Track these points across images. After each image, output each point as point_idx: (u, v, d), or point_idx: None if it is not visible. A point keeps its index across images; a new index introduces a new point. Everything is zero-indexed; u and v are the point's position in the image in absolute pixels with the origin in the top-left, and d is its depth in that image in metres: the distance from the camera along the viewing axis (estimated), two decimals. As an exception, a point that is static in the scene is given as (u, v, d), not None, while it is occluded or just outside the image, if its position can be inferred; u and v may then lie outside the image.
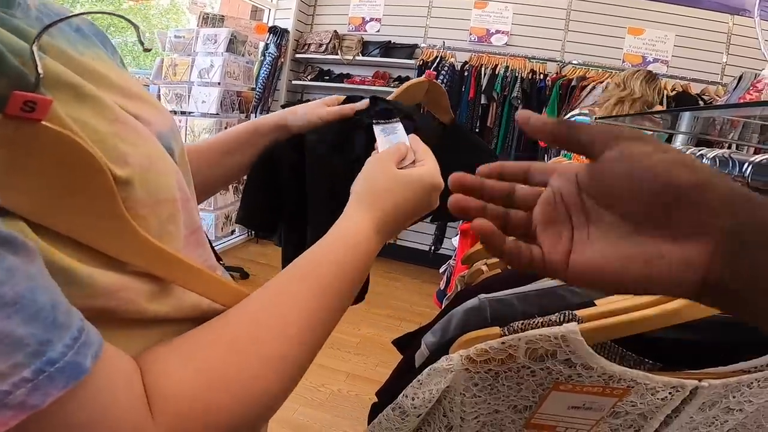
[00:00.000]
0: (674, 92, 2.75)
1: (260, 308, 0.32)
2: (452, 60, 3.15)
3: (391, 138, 0.59)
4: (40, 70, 0.23)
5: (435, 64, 3.12)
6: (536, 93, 2.98)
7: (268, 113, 3.41)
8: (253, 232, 3.44)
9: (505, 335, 0.40)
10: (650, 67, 2.99)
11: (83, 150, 0.23)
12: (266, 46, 3.47)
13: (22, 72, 0.22)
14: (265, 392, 0.29)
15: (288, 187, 0.66)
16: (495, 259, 0.65)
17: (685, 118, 1.43)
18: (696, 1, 2.99)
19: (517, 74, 2.99)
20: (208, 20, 3.01)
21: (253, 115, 3.27)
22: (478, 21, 3.32)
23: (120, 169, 0.26)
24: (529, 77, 2.99)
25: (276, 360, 0.30)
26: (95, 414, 0.22)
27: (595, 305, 0.41)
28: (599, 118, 1.83)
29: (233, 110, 2.82)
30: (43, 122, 0.22)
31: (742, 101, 1.49)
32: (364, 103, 0.66)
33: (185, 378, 0.27)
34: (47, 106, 0.22)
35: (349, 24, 3.62)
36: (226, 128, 2.35)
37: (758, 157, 0.44)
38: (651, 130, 1.83)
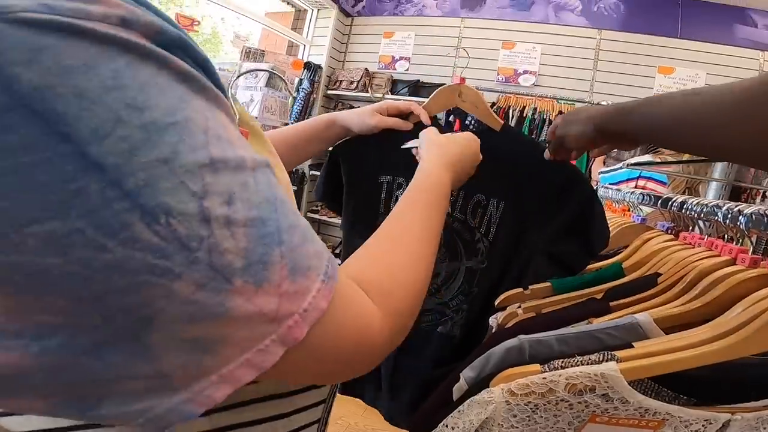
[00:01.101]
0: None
1: (394, 226, 0.42)
2: (480, 100, 3.23)
3: None
4: (236, 113, 0.30)
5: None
6: (564, 134, 3.01)
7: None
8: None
9: (546, 371, 0.42)
10: (679, 110, 2.99)
11: None
12: (300, 82, 3.62)
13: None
14: (417, 277, 0.38)
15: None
16: (529, 303, 0.67)
17: (719, 166, 1.42)
18: (727, 38, 2.98)
19: (545, 116, 3.02)
20: (250, 54, 3.18)
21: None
22: (505, 61, 3.40)
23: None
24: (557, 119, 3.01)
25: (415, 254, 0.40)
26: (346, 300, 0.29)
27: (633, 347, 0.44)
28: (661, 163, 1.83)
29: (269, 145, 2.92)
30: None
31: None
32: (408, 125, 0.78)
33: (369, 272, 0.35)
34: (248, 135, 0.31)
35: (380, 62, 3.76)
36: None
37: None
38: (694, 178, 1.83)
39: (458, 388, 0.54)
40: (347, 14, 3.88)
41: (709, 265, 0.53)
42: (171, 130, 0.20)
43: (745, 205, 0.54)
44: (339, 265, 0.33)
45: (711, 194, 1.49)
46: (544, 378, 0.42)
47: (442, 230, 0.57)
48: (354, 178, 0.82)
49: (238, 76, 2.66)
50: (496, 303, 0.73)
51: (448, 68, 3.52)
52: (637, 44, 3.11)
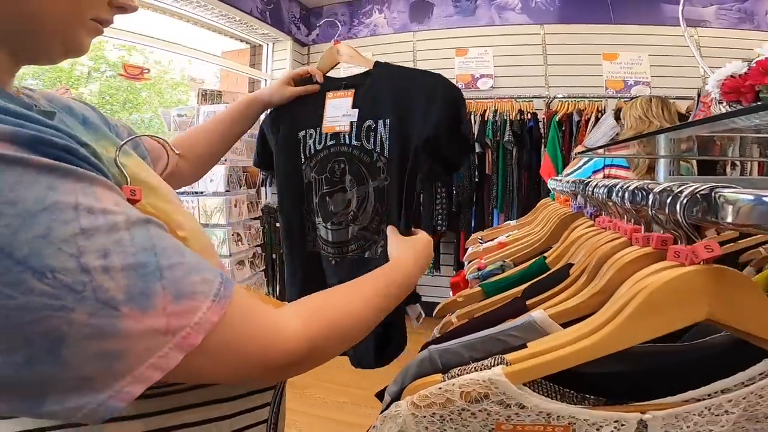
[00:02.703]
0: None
1: (352, 284, 0.52)
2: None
3: (339, 110, 0.93)
4: (127, 175, 0.39)
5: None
6: (527, 133, 3.04)
7: (271, 186, 3.54)
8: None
9: (444, 381, 0.43)
10: (633, 90, 3.06)
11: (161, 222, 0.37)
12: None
13: (117, 176, 0.38)
14: (350, 316, 0.46)
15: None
16: (463, 311, 0.68)
17: (661, 141, 1.44)
18: (656, 18, 3.07)
19: (505, 117, 3.07)
20: (207, 96, 3.19)
21: (263, 189, 3.37)
22: (462, 68, 3.47)
23: (180, 232, 0.40)
24: (518, 118, 3.06)
25: (357, 302, 0.49)
26: (246, 314, 0.36)
27: (527, 347, 0.44)
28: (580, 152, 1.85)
29: (240, 186, 2.81)
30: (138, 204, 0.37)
31: (696, 118, 1.52)
32: (315, 88, 0.97)
33: (313, 300, 0.45)
34: (140, 192, 0.38)
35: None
36: (235, 206, 2.48)
37: (659, 187, 0.45)
38: (648, 157, 1.85)
39: (385, 403, 0.55)
40: (302, 44, 3.94)
41: (607, 249, 0.52)
42: (42, 214, 0.27)
43: (634, 182, 0.53)
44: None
45: (661, 172, 1.50)
46: (440, 388, 0.42)
47: (348, 167, 0.76)
48: (280, 139, 1.00)
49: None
50: (433, 313, 0.74)
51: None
52: (578, 34, 3.20)
